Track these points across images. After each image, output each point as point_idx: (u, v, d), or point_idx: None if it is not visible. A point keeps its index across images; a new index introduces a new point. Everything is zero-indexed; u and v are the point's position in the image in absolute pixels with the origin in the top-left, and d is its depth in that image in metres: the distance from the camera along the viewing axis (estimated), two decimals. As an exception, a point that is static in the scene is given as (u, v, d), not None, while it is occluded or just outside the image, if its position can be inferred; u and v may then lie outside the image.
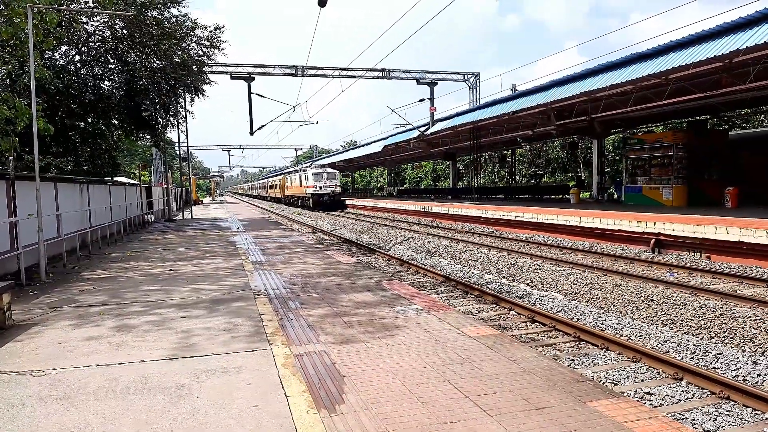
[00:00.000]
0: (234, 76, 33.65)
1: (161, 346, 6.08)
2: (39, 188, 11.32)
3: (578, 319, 8.98)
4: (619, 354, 7.20)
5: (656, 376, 6.49)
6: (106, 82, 20.98)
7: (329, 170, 48.34)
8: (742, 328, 8.00)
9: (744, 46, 12.87)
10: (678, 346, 7.45)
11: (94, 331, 6.81)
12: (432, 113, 34.66)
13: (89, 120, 20.72)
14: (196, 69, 22.09)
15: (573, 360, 7.06)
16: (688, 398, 5.84)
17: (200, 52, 22.27)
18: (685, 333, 8.17)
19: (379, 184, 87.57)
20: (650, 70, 15.74)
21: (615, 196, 28.15)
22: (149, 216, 29.60)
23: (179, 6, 20.52)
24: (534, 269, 13.32)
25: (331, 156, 69.17)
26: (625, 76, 16.83)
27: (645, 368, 6.69)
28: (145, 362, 5.55)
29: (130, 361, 5.59)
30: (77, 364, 5.54)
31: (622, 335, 8.08)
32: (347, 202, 50.20)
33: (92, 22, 19.19)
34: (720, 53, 13.54)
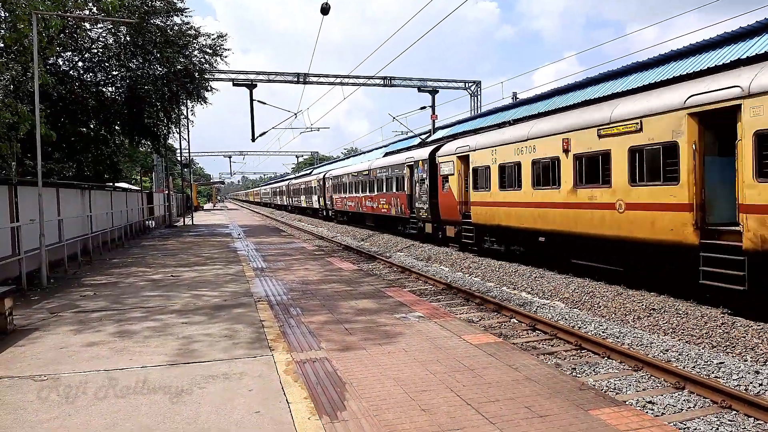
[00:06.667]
0: (236, 83, 33.75)
1: (162, 352, 6.08)
2: (41, 193, 11.35)
3: (580, 327, 8.96)
4: (620, 363, 7.19)
5: (658, 385, 6.47)
6: (109, 88, 21.09)
7: None
8: (744, 337, 7.98)
9: (744, 56, 12.93)
10: (680, 355, 7.43)
11: (95, 337, 6.81)
12: (433, 121, 34.81)
13: (92, 126, 20.79)
14: (198, 76, 22.19)
15: (575, 368, 7.04)
16: (690, 407, 5.82)
17: (203, 60, 22.39)
18: (686, 342, 8.15)
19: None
20: (651, 79, 15.80)
21: None
22: (150, 222, 29.62)
23: (182, 15, 20.67)
24: (535, 277, 13.30)
25: (333, 162, 69.07)
26: (626, 85, 16.89)
27: (647, 377, 6.68)
28: (146, 368, 5.55)
29: (131, 367, 5.58)
30: (78, 369, 5.54)
31: (623, 344, 8.06)
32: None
33: (96, 29, 19.30)
34: (720, 62, 13.60)
